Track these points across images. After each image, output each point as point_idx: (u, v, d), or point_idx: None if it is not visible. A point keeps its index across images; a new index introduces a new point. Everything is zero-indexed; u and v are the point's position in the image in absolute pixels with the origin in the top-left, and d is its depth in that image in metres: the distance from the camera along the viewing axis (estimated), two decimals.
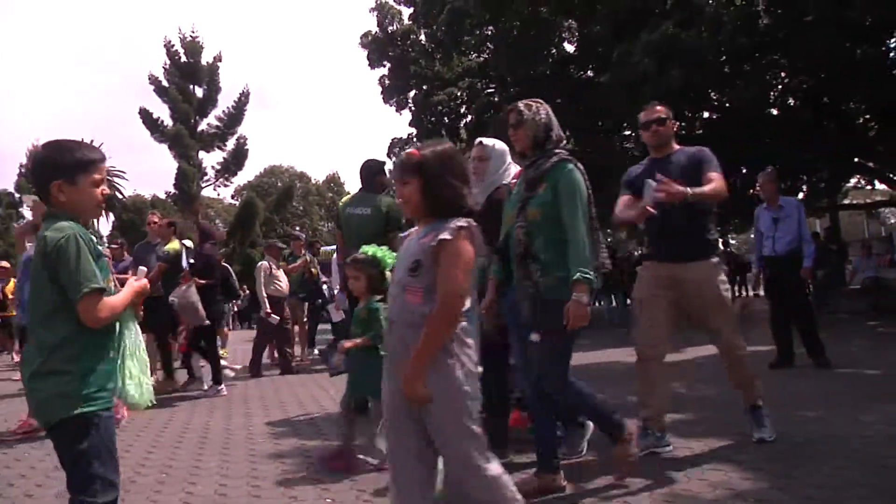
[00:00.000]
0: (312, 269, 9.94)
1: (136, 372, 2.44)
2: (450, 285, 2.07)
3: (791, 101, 16.40)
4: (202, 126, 37.23)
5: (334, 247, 8.62)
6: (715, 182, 3.69)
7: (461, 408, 2.08)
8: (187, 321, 7.08)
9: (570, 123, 16.25)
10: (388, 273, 3.69)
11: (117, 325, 2.25)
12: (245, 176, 52.18)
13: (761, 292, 9.28)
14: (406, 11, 19.24)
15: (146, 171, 78.64)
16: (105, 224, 40.25)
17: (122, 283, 2.35)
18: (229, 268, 13.15)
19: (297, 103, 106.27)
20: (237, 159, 38.04)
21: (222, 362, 7.81)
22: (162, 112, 36.25)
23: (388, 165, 7.09)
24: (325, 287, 9.87)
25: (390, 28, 19.69)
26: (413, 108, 19.75)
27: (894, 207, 33.26)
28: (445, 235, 2.07)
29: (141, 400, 2.43)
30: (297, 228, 39.70)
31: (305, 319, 10.64)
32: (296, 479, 3.72)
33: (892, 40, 12.51)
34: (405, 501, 2.19)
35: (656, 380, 3.87)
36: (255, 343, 9.25)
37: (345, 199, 6.02)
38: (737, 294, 21.03)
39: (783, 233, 6.72)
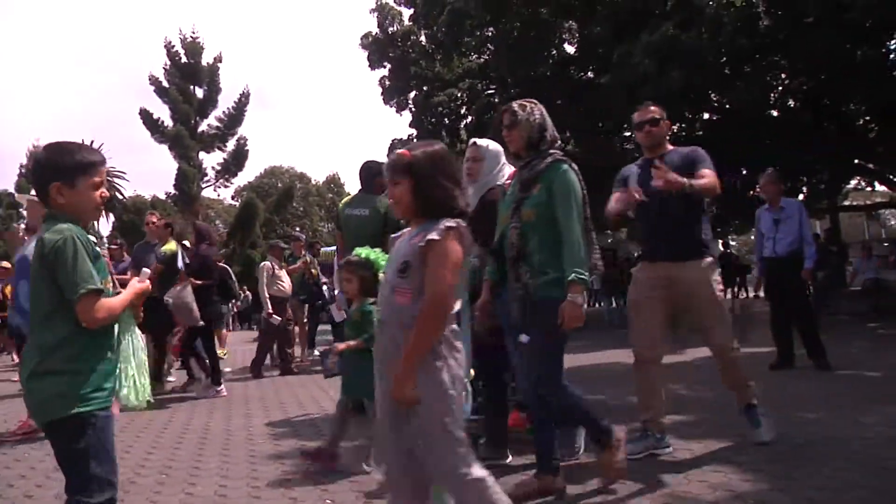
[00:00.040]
0: (313, 270, 9.94)
1: (133, 373, 2.44)
2: (437, 285, 2.06)
3: (791, 103, 16.42)
4: (202, 127, 37.28)
5: (334, 247, 8.62)
6: (708, 178, 3.72)
7: (446, 411, 2.06)
8: (181, 321, 7.07)
9: (571, 124, 16.27)
10: (381, 275, 3.69)
11: (116, 325, 2.25)
12: (245, 177, 52.41)
13: (761, 294, 9.27)
14: (406, 12, 19.25)
15: (146, 171, 78.79)
16: (105, 225, 40.31)
17: (122, 283, 2.35)
18: (229, 269, 13.17)
19: (298, 104, 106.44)
20: (237, 160, 38.08)
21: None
22: (162, 113, 36.33)
23: None
24: (325, 288, 9.88)
25: (391, 29, 19.69)
26: (413, 109, 19.75)
27: (894, 209, 33.25)
28: (433, 236, 2.07)
29: (137, 401, 2.43)
30: (298, 229, 39.66)
31: (305, 320, 10.64)
32: (296, 479, 3.71)
33: (893, 42, 12.52)
34: (401, 501, 2.19)
35: (655, 381, 3.87)
36: (260, 344, 9.26)
37: (345, 200, 6.02)
38: (736, 295, 21.01)
39: (784, 234, 6.72)
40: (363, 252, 3.97)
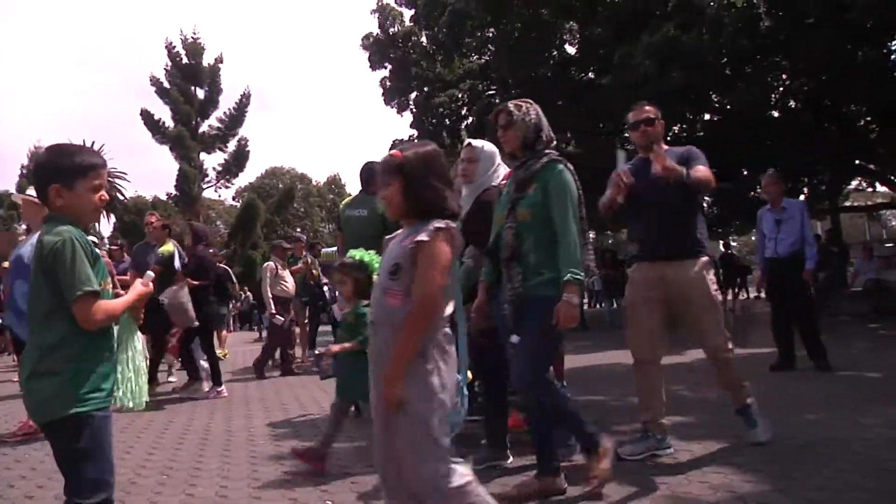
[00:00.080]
0: (314, 271, 9.95)
1: (131, 374, 2.44)
2: (426, 286, 2.05)
3: (792, 104, 16.43)
4: (203, 128, 37.36)
5: (335, 248, 8.64)
6: (704, 172, 3.75)
7: (431, 416, 2.05)
8: (177, 322, 7.07)
9: (572, 125, 16.28)
10: (375, 277, 3.69)
11: (115, 326, 2.26)
12: (246, 177, 52.40)
13: (762, 294, 9.28)
14: (407, 13, 19.25)
15: (147, 172, 78.88)
16: (106, 225, 40.31)
17: (123, 284, 2.36)
18: (229, 270, 13.19)
19: (299, 105, 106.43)
20: (238, 161, 38.14)
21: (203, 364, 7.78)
22: (163, 113, 36.40)
23: None
24: (326, 289, 9.88)
25: (391, 30, 19.69)
26: (414, 110, 19.75)
27: (895, 210, 33.23)
28: (422, 237, 2.06)
29: (134, 403, 2.44)
30: (299, 230, 39.68)
31: (306, 321, 10.65)
32: (297, 480, 3.71)
33: (893, 42, 12.52)
34: (395, 501, 2.19)
35: (655, 382, 3.87)
36: (266, 344, 9.27)
37: (345, 200, 6.03)
38: (737, 296, 21.00)
39: (786, 234, 6.72)
40: (357, 254, 3.99)
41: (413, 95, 19.88)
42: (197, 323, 6.98)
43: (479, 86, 18.91)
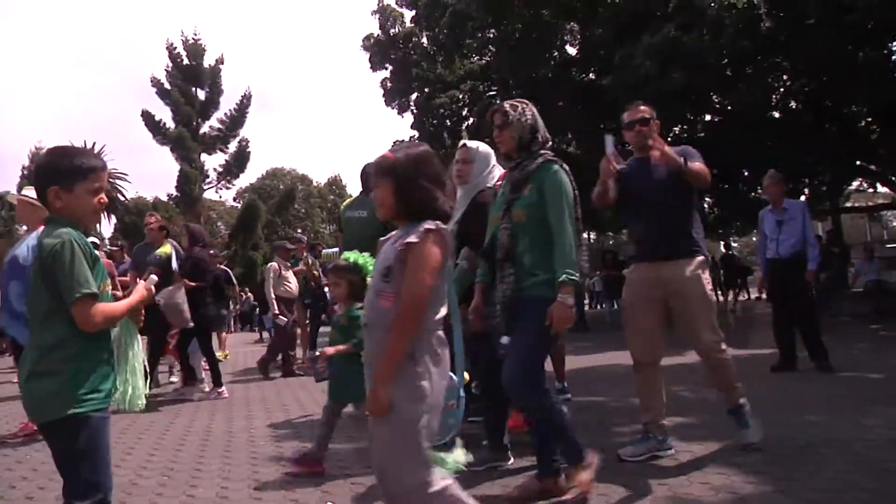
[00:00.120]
0: (315, 272, 9.94)
1: (129, 375, 2.45)
2: (414, 287, 2.04)
3: (793, 104, 16.43)
4: (204, 128, 37.38)
5: (336, 249, 8.63)
6: (700, 166, 3.75)
7: (418, 418, 2.03)
8: (173, 322, 7.06)
9: (572, 126, 16.28)
10: (369, 280, 3.69)
11: (114, 328, 2.27)
12: (247, 178, 52.38)
13: (763, 295, 9.27)
14: (408, 14, 19.29)
15: (148, 173, 78.90)
16: (107, 226, 40.36)
17: (123, 285, 2.37)
18: (230, 271, 13.20)
19: (299, 106, 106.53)
20: (239, 162, 38.16)
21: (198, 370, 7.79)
22: (164, 114, 36.42)
23: None
24: (327, 290, 9.87)
25: (392, 31, 19.72)
26: (415, 111, 19.78)
27: None
28: (412, 239, 2.06)
29: (132, 404, 2.45)
30: (299, 231, 39.69)
31: (307, 322, 10.65)
32: (297, 481, 3.71)
33: (894, 43, 12.52)
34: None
35: (655, 383, 3.86)
36: (271, 345, 9.28)
37: (346, 202, 6.04)
38: (737, 297, 20.98)
39: (787, 235, 6.71)
40: (352, 256, 4.00)
41: (414, 96, 19.92)
42: (192, 324, 6.97)
43: (480, 87, 18.94)
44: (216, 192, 40.63)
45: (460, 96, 19.08)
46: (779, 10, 11.25)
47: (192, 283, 7.04)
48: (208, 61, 37.04)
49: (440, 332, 2.13)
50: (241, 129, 37.93)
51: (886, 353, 7.80)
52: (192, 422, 5.77)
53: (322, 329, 11.25)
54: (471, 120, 18.70)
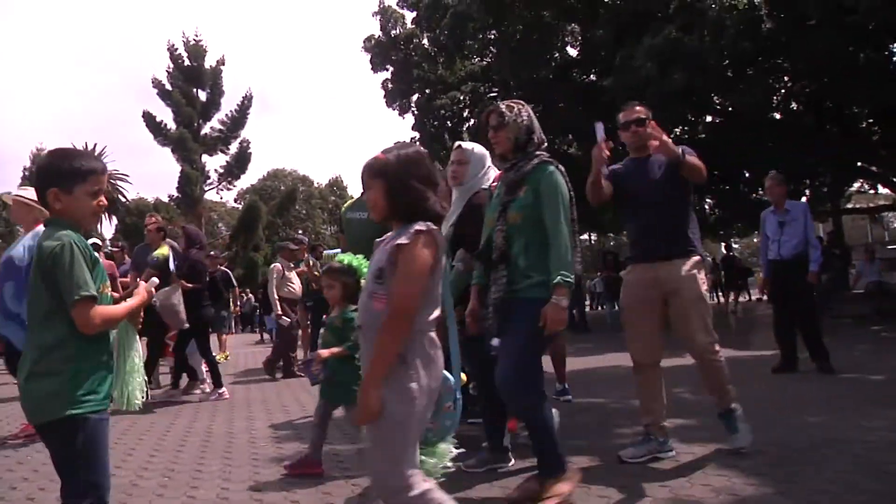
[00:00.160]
0: (316, 273, 9.93)
1: (127, 375, 2.46)
2: (402, 288, 2.03)
3: (794, 105, 16.43)
4: (205, 129, 37.45)
5: (338, 250, 8.63)
6: (697, 160, 3.73)
7: (406, 420, 2.02)
8: (168, 323, 7.05)
9: (573, 127, 16.28)
10: (363, 282, 3.69)
11: (112, 329, 2.27)
12: (248, 179, 52.50)
13: (764, 297, 9.25)
14: (409, 15, 19.30)
15: (149, 173, 79.03)
16: (108, 227, 40.40)
17: (123, 286, 2.38)
18: (230, 272, 13.19)
19: (300, 107, 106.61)
20: (240, 163, 38.19)
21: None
22: (165, 115, 36.48)
23: None
24: None
25: (393, 32, 19.73)
26: (416, 112, 19.78)
27: None
28: (402, 240, 2.05)
29: (129, 403, 2.45)
30: (300, 232, 39.76)
31: (308, 323, 10.65)
32: (298, 482, 3.71)
33: (895, 44, 12.51)
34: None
35: (655, 385, 3.85)
36: (275, 346, 9.28)
37: (347, 203, 6.03)
38: (738, 298, 20.97)
39: (789, 236, 6.71)
40: (346, 258, 4.00)
41: (415, 97, 19.93)
42: (187, 325, 6.97)
43: (481, 88, 18.95)
44: (217, 193, 40.74)
45: (461, 97, 19.09)
46: (780, 12, 11.25)
47: (189, 285, 7.04)
48: (209, 62, 37.16)
49: (432, 334, 2.12)
50: (242, 130, 38.02)
51: (887, 355, 7.80)
52: (193, 423, 5.77)
53: (323, 330, 11.27)
54: (472, 121, 18.71)
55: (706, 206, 19.98)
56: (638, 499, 3.15)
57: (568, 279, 2.97)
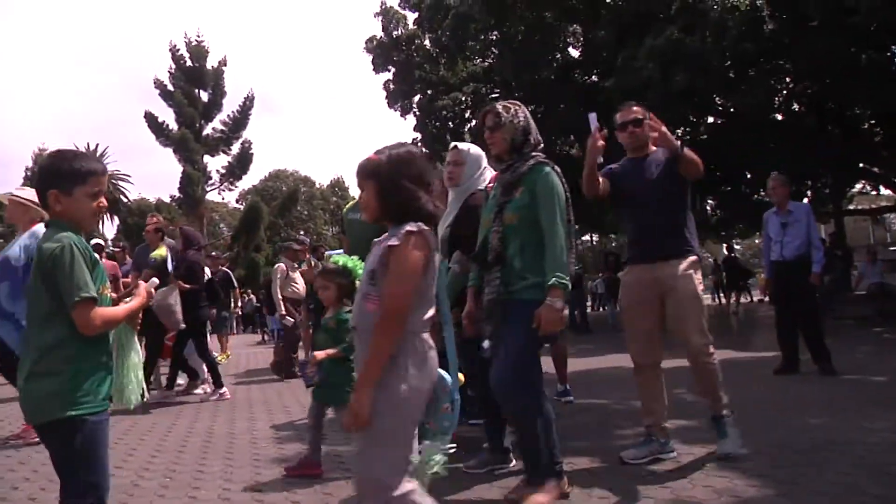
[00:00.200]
0: None
1: (125, 372, 2.46)
2: (394, 289, 2.03)
3: (796, 107, 16.41)
4: (207, 130, 37.47)
5: (339, 251, 8.63)
6: (695, 155, 3.71)
7: (394, 420, 2.02)
8: (165, 323, 7.05)
9: (574, 128, 16.28)
10: (358, 283, 3.68)
11: (112, 331, 2.28)
12: (250, 180, 52.51)
13: (766, 299, 9.24)
14: (411, 16, 19.32)
15: (151, 174, 78.93)
16: (110, 228, 40.44)
17: (124, 286, 2.38)
18: (230, 273, 13.19)
19: (302, 108, 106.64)
20: (242, 163, 38.21)
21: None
22: (167, 116, 36.51)
23: None
24: None
25: (395, 33, 19.74)
26: (417, 113, 19.79)
27: None
28: (393, 242, 2.05)
29: (126, 400, 2.46)
30: (302, 233, 39.78)
31: (310, 324, 10.65)
32: (299, 483, 3.71)
33: None
34: None
35: (656, 386, 3.84)
36: (282, 347, 9.31)
37: (349, 204, 6.03)
38: (739, 299, 20.96)
39: (791, 237, 6.69)
40: (340, 259, 4.00)
41: (416, 98, 19.93)
42: (184, 326, 6.98)
43: (483, 89, 18.94)
44: (219, 193, 40.75)
45: (463, 98, 19.09)
46: (781, 13, 11.24)
47: (187, 286, 7.04)
48: (211, 63, 37.19)
49: (425, 335, 2.11)
50: (243, 130, 38.05)
51: (889, 356, 7.79)
52: (195, 423, 5.77)
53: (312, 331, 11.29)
54: (473, 122, 18.69)
55: (708, 208, 19.98)
56: (639, 500, 3.15)
57: (563, 281, 2.96)
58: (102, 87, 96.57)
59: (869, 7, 9.33)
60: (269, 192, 52.23)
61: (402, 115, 20.17)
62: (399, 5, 19.26)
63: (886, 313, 12.27)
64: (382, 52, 19.59)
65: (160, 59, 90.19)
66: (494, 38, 16.90)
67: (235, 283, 13.48)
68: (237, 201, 52.93)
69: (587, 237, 40.86)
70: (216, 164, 38.67)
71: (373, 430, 2.00)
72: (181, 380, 7.93)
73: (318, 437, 3.93)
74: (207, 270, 9.54)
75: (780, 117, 16.18)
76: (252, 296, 26.57)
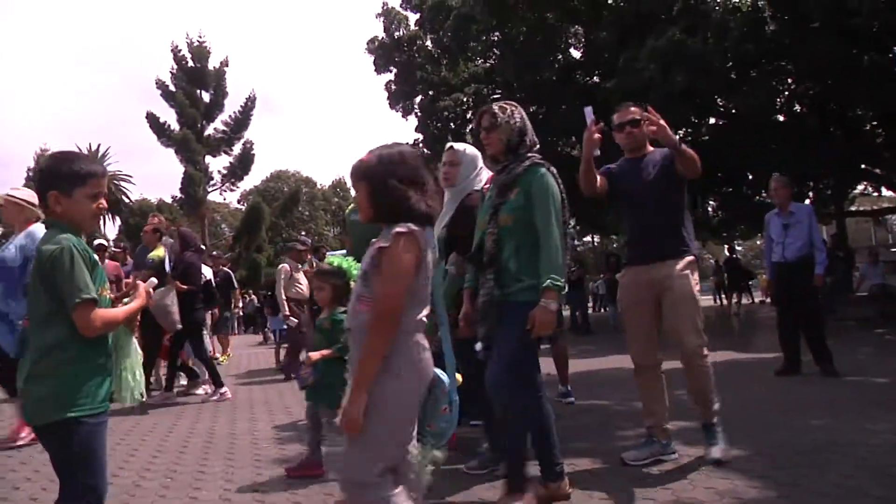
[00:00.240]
0: None
1: (124, 371, 2.46)
2: (385, 289, 2.03)
3: (797, 108, 16.39)
4: (209, 131, 37.43)
5: (341, 252, 8.63)
6: (693, 153, 3.70)
7: (384, 420, 2.02)
8: (161, 324, 7.06)
9: (576, 129, 16.27)
10: (353, 284, 3.67)
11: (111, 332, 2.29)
12: (251, 181, 52.54)
13: (767, 300, 9.22)
14: (412, 17, 19.33)
15: (153, 174, 78.93)
16: (111, 228, 40.47)
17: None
18: (231, 273, 13.20)
19: (304, 108, 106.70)
20: (243, 164, 38.18)
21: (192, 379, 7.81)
22: (169, 116, 36.47)
23: None
24: None
25: (397, 34, 19.76)
26: (419, 114, 19.79)
27: None
28: (383, 243, 2.05)
29: (122, 397, 2.46)
30: (303, 234, 39.79)
31: (311, 324, 10.66)
32: (300, 483, 3.72)
33: None
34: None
35: (657, 387, 3.84)
36: (289, 347, 9.35)
37: (351, 205, 6.04)
38: (740, 300, 20.92)
39: (793, 238, 6.69)
40: (336, 260, 4.00)
41: (418, 99, 19.93)
42: (180, 326, 6.98)
43: (485, 90, 18.94)
44: (220, 194, 40.69)
45: (464, 99, 19.08)
46: (783, 14, 11.23)
47: (184, 287, 7.04)
48: (213, 63, 37.14)
49: (419, 335, 2.11)
50: (245, 131, 38.00)
51: (891, 357, 7.77)
52: (196, 424, 5.77)
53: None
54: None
55: (709, 208, 19.96)
56: (640, 501, 3.15)
57: (558, 283, 2.95)
58: (104, 88, 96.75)
59: (870, 8, 9.33)
60: (270, 193, 52.27)
61: (403, 116, 20.19)
62: (401, 6, 19.28)
63: (888, 314, 12.26)
64: (384, 53, 19.60)
65: (162, 59, 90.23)
66: (496, 38, 16.91)
67: (236, 284, 13.49)
68: (239, 202, 52.96)
69: (588, 238, 40.80)
70: (218, 164, 38.73)
71: (363, 428, 2.00)
72: (182, 380, 7.95)
73: (318, 437, 3.93)
74: (209, 271, 9.56)
75: (781, 118, 16.16)
76: (253, 296, 26.57)
